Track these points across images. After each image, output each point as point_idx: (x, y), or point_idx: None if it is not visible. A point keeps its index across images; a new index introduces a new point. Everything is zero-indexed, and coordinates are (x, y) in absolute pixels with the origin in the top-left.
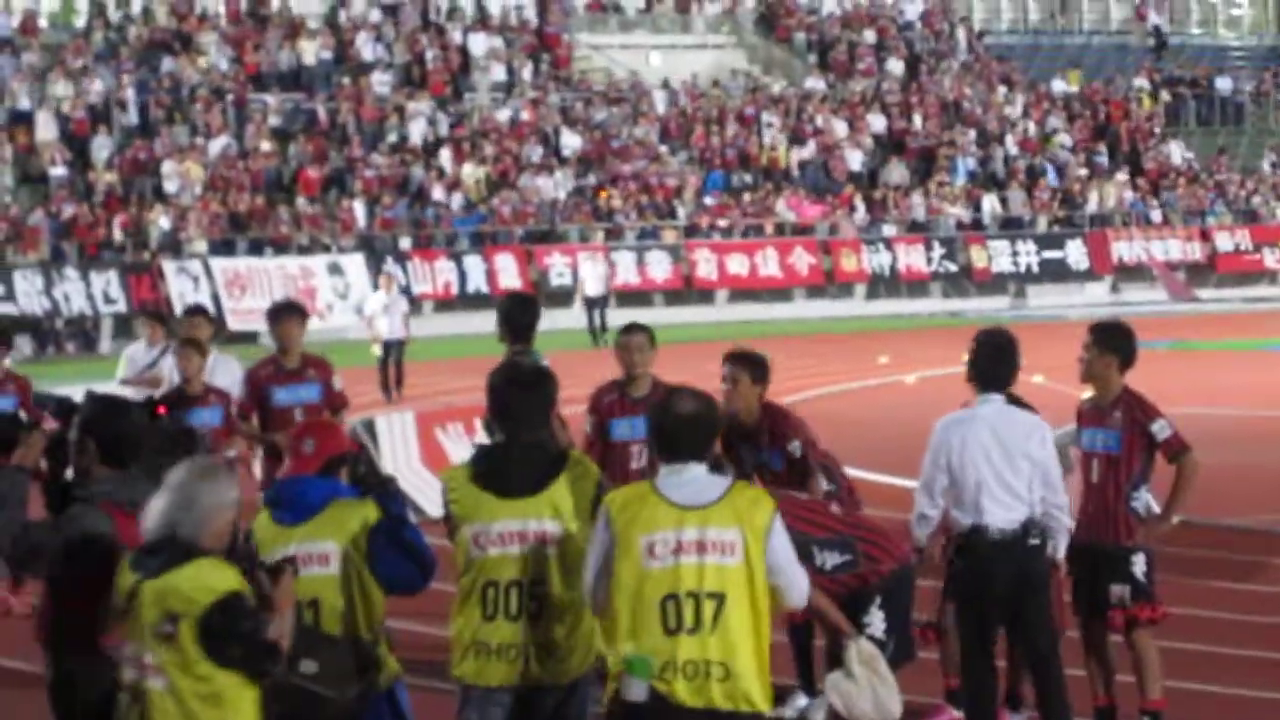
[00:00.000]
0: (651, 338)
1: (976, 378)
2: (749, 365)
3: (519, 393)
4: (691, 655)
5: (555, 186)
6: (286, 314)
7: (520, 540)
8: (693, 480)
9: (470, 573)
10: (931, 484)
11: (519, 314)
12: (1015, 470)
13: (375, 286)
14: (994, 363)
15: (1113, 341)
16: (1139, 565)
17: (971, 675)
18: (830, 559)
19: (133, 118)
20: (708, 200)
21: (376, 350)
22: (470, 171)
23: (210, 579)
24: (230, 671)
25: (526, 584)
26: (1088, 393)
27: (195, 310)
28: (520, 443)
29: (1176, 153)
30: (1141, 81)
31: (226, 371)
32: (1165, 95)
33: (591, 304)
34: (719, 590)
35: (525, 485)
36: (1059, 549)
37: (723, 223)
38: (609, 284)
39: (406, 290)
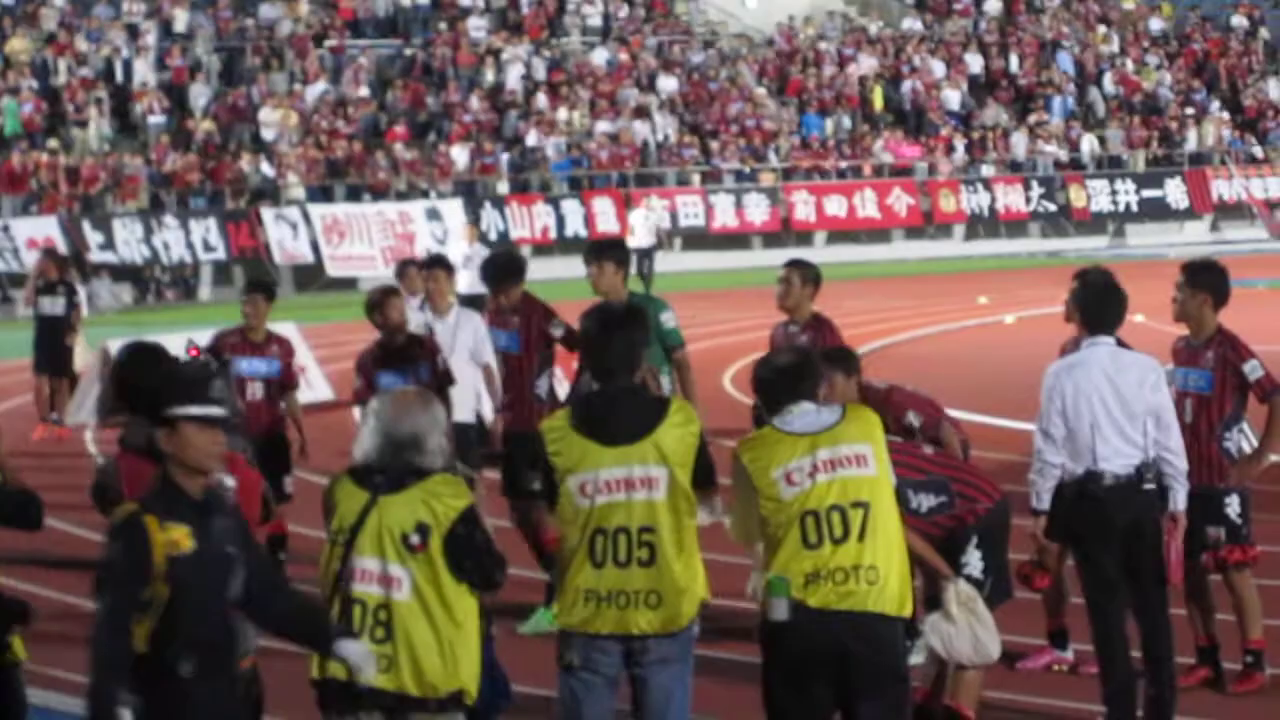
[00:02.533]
0: (803, 275)
1: (1084, 320)
2: (800, 267)
3: (612, 336)
4: (841, 563)
5: (653, 130)
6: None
7: (626, 487)
8: (806, 412)
9: (577, 522)
10: (1050, 431)
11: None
12: (1130, 415)
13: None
14: (1101, 304)
15: (1205, 280)
16: (1233, 506)
17: (1101, 625)
18: (926, 501)
19: (230, 65)
20: (804, 141)
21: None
22: (567, 115)
23: (450, 492)
24: (460, 583)
25: (634, 531)
26: (1182, 331)
27: (436, 262)
28: (619, 387)
29: (1276, 90)
30: (1239, 19)
31: (469, 325)
32: (1264, 33)
33: (640, 254)
34: (864, 499)
35: (629, 431)
36: (1178, 500)
37: (821, 164)
38: (660, 235)
39: (504, 235)
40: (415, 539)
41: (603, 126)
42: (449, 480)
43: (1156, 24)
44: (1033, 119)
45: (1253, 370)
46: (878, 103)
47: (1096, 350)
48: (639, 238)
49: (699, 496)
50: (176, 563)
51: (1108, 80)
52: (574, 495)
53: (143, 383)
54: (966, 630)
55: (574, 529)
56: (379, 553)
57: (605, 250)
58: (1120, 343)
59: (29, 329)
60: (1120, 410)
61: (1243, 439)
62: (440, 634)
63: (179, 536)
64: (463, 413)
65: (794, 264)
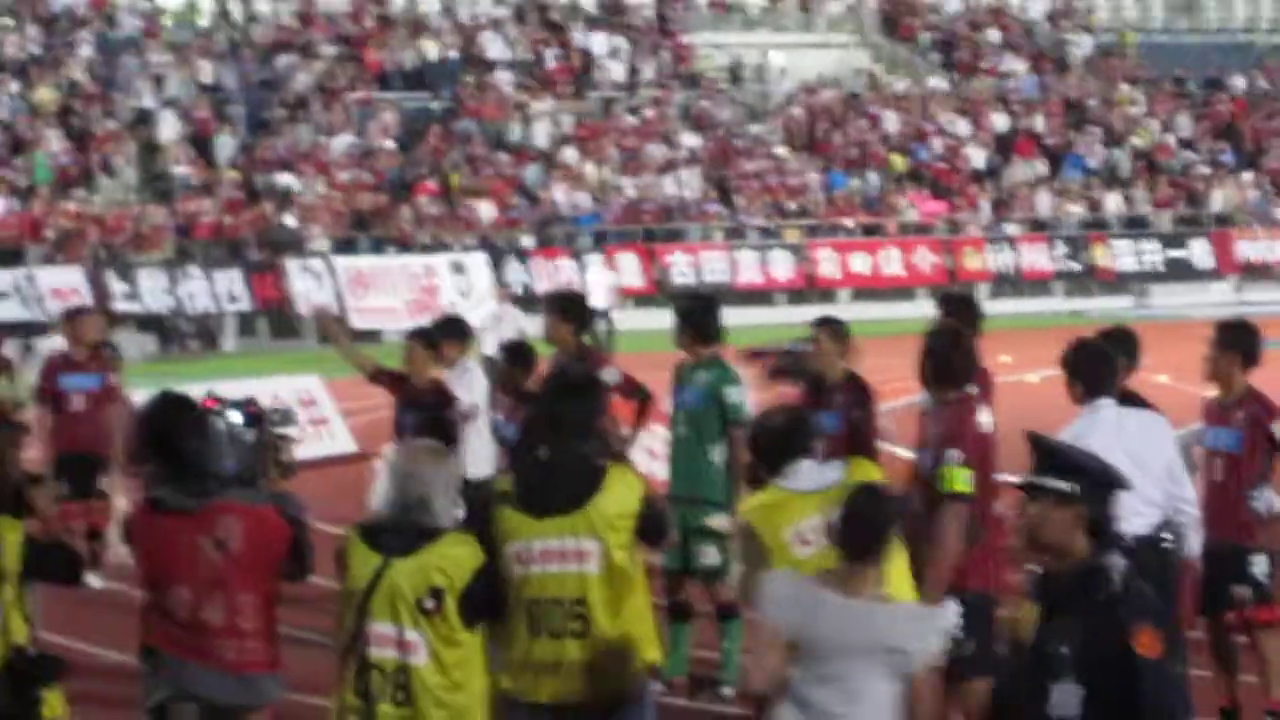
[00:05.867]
0: (833, 333)
1: (1085, 387)
2: (829, 325)
3: (564, 402)
4: None
5: (678, 185)
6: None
7: (559, 559)
8: (809, 470)
9: (512, 590)
10: None
11: (707, 315)
12: (1146, 473)
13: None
14: (1097, 368)
15: (1236, 340)
16: (1260, 566)
17: None
18: None
19: (256, 117)
20: (829, 199)
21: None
22: (593, 170)
23: (464, 553)
24: (473, 630)
25: (567, 603)
26: (1212, 391)
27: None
28: (561, 456)
29: None
30: (1263, 82)
31: (469, 383)
32: None
33: (597, 315)
34: None
35: (562, 502)
36: (1192, 546)
37: (846, 222)
38: (614, 294)
39: (528, 290)
40: (430, 603)
41: (628, 182)
42: (460, 539)
43: (1181, 83)
44: (1057, 181)
45: None
46: (898, 162)
47: (1102, 414)
48: (596, 299)
49: (651, 549)
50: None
51: (1134, 140)
52: (510, 563)
53: (171, 433)
54: None
55: (510, 596)
56: (393, 617)
57: (555, 302)
58: (1133, 398)
59: None
60: (1135, 470)
61: (1271, 499)
62: (460, 691)
63: (1024, 616)
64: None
65: (824, 322)
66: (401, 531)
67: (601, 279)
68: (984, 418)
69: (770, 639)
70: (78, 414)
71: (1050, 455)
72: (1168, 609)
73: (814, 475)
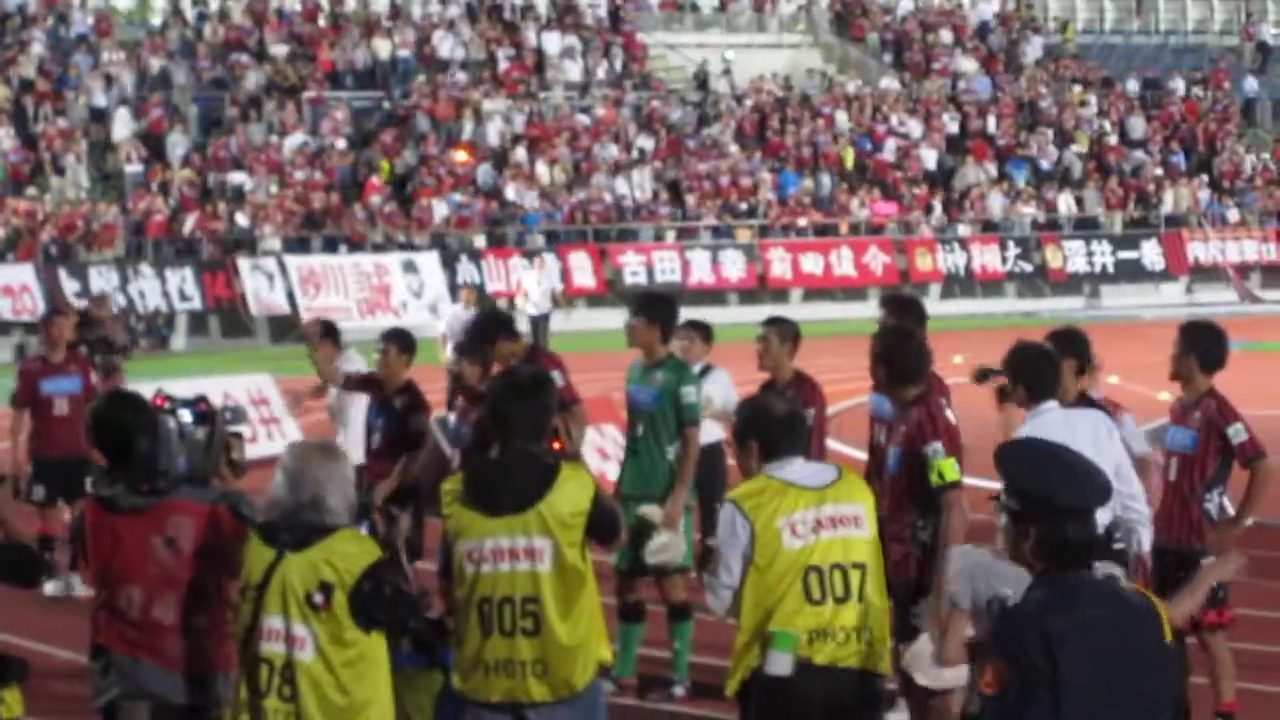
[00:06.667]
0: (781, 333)
1: (1027, 392)
2: (778, 325)
3: (514, 402)
4: (844, 622)
5: (631, 185)
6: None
7: (510, 557)
8: (803, 465)
9: (464, 588)
10: None
11: (664, 315)
12: None
13: (457, 291)
14: (1039, 371)
15: (1195, 340)
16: None
17: None
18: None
19: (208, 115)
20: (781, 199)
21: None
22: (545, 170)
23: (356, 549)
24: (370, 634)
25: (519, 601)
26: (1165, 393)
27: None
28: (512, 455)
29: (1252, 154)
30: (1201, 91)
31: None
32: (1239, 98)
33: (535, 320)
34: (861, 561)
35: (514, 501)
36: (1142, 543)
37: (798, 222)
38: (552, 298)
39: (480, 289)
40: (318, 598)
41: (579, 182)
42: (353, 537)
43: (1132, 85)
44: (1008, 182)
45: (1236, 434)
46: (848, 162)
47: (1047, 417)
48: (534, 301)
49: (603, 548)
50: None
51: (1084, 141)
52: (462, 561)
53: (121, 432)
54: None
55: (462, 594)
56: (283, 611)
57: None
58: (1088, 400)
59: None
60: None
61: (1224, 501)
62: (345, 693)
63: None
64: None
65: (772, 322)
66: (294, 528)
67: (539, 281)
68: (950, 411)
69: (958, 613)
70: (61, 419)
71: (1002, 472)
72: None
73: (809, 471)
